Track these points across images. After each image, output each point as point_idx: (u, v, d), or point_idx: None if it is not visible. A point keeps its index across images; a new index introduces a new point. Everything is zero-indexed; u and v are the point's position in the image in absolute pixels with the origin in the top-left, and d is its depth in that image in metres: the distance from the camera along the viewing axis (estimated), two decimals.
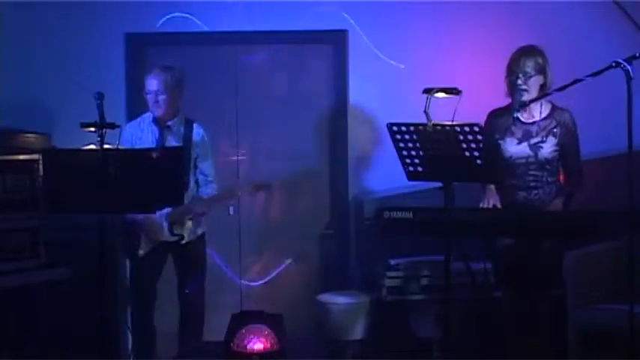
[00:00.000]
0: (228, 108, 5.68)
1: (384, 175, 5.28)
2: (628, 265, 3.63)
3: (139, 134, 4.86)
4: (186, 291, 4.92)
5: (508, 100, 4.44)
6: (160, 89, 4.74)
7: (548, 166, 4.41)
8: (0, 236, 4.35)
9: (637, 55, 3.61)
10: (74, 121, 4.41)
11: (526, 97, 4.29)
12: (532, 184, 4.40)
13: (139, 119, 4.95)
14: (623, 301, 3.74)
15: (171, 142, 4.82)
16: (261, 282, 5.69)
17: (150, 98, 4.78)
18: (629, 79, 3.58)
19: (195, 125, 4.90)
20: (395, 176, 4.36)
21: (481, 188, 4.46)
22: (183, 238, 4.79)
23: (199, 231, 4.94)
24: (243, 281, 5.67)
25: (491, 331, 4.51)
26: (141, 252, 4.80)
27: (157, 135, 4.82)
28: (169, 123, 4.85)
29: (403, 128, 3.91)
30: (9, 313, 4.31)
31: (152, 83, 4.76)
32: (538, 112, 4.43)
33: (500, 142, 4.40)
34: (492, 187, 4.42)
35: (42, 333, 4.42)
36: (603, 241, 4.75)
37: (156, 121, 4.84)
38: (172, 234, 4.77)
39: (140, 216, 4.70)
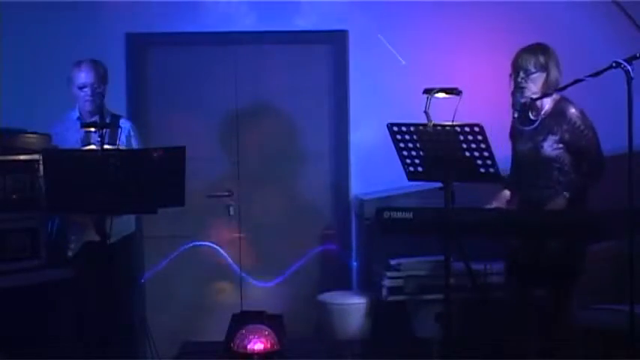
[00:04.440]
0: (228, 108, 5.68)
1: (385, 175, 5.27)
2: (628, 265, 3.63)
3: (64, 134, 4.64)
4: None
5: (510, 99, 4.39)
6: (96, 81, 4.59)
7: (555, 164, 4.30)
8: (0, 236, 4.35)
9: (637, 55, 3.61)
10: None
11: (527, 95, 4.23)
12: (541, 182, 4.30)
13: (62, 119, 4.73)
14: (623, 301, 3.75)
15: (96, 139, 4.41)
16: (261, 282, 5.68)
17: (84, 92, 4.58)
18: (629, 79, 3.58)
19: (122, 120, 4.69)
20: (395, 176, 4.36)
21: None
22: (109, 237, 4.35)
23: (123, 232, 4.64)
24: (243, 281, 5.66)
25: (491, 331, 4.50)
26: (70, 253, 4.58)
27: (81, 133, 4.57)
28: (94, 119, 4.62)
29: (403, 128, 3.90)
30: (8, 313, 4.29)
31: (87, 76, 4.58)
32: (543, 108, 4.32)
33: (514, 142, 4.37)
34: (507, 192, 4.37)
35: (42, 333, 4.40)
36: (603, 241, 4.75)
37: (81, 118, 4.62)
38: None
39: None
